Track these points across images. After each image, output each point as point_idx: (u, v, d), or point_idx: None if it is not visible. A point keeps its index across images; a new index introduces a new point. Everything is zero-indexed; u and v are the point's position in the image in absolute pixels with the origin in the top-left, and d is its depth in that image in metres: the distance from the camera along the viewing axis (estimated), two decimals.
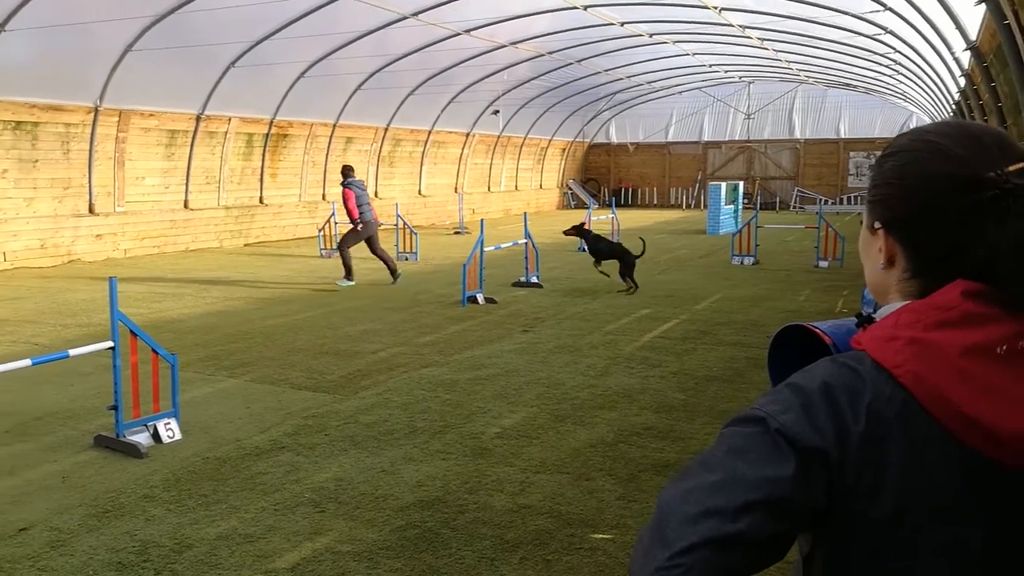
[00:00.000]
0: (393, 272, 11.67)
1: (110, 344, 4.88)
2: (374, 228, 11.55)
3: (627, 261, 10.90)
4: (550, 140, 30.58)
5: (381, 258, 11.72)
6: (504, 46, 18.75)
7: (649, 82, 27.77)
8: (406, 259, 14.85)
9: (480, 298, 10.12)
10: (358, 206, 11.33)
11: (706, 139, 32.67)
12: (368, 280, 11.95)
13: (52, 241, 13.97)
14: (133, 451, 4.83)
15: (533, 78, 22.87)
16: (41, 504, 4.15)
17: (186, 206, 16.59)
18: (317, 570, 3.46)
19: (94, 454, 4.88)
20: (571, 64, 22.04)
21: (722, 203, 20.72)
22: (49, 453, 4.89)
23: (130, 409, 5.04)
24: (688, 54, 23.00)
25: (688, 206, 32.26)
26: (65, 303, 10.12)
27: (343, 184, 11.46)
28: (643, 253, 11.35)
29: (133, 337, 4.96)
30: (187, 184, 16.54)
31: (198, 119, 16.28)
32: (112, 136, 14.82)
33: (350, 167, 11.81)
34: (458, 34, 16.88)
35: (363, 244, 11.59)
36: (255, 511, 4.06)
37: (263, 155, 18.25)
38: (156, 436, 5.05)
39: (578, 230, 12.09)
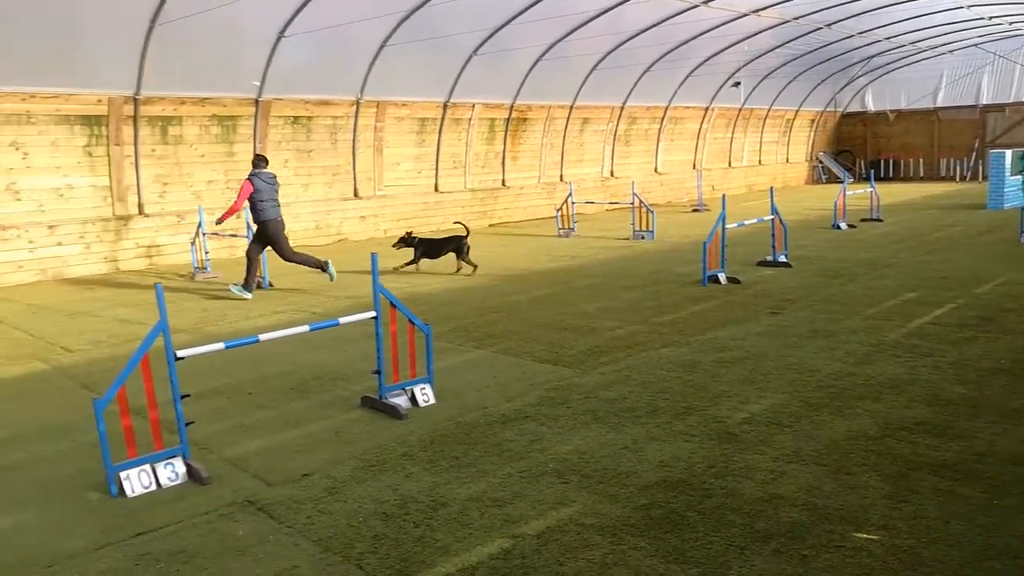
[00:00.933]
0: (323, 267, 10.15)
1: (373, 314, 5.29)
2: (278, 228, 9.77)
3: (459, 247, 11.21)
4: (797, 111, 28.62)
5: (299, 262, 10.12)
6: (745, 15, 17.76)
7: (913, 42, 24.92)
8: (642, 238, 14.68)
9: (722, 278, 9.71)
10: (260, 201, 9.54)
11: (984, 102, 28.72)
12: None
13: (324, 222, 15.58)
14: (394, 412, 5.22)
15: (777, 46, 21.47)
16: (319, 454, 4.61)
17: (436, 189, 17.69)
18: (562, 540, 3.50)
19: (361, 413, 5.34)
20: (820, 29, 20.37)
21: (1007, 173, 18.11)
22: (324, 410, 5.44)
23: (390, 374, 5.45)
24: (962, 7, 20.29)
25: (963, 178, 28.66)
26: (337, 277, 11.20)
27: (249, 175, 9.70)
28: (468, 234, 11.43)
29: (393, 308, 5.34)
30: (436, 169, 17.62)
31: (445, 107, 17.25)
32: (371, 126, 16.17)
33: (261, 156, 10.04)
34: (696, 6, 16.25)
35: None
36: (502, 476, 4.20)
37: (504, 139, 18.94)
38: (413, 400, 5.41)
39: (405, 241, 11.48)
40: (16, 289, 11.14)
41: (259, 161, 9.93)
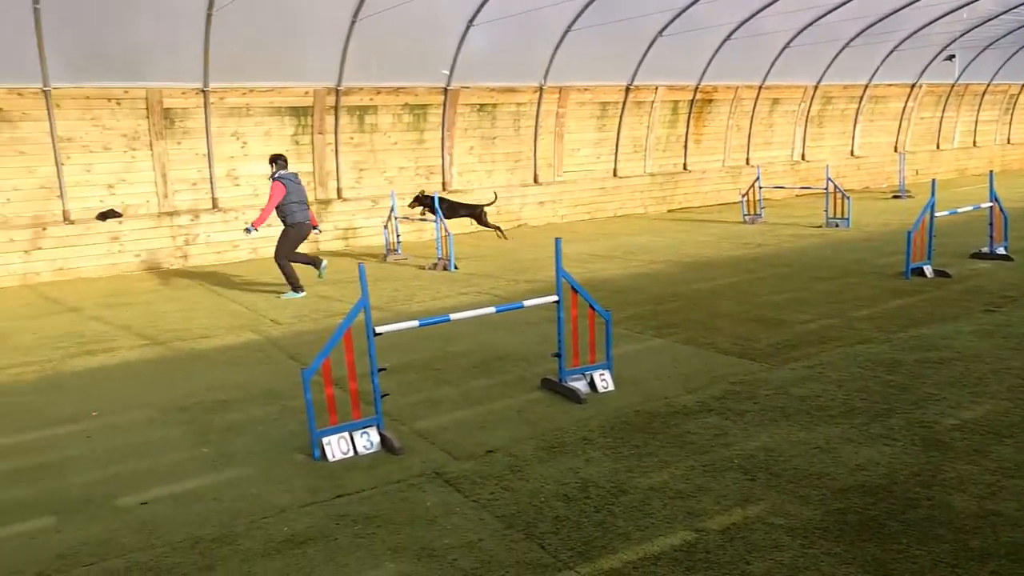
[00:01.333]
0: (315, 264, 9.75)
1: (555, 298, 5.35)
2: (303, 232, 9.48)
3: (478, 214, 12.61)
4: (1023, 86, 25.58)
5: (281, 268, 9.55)
6: None
7: None
8: (836, 225, 13.76)
9: (928, 270, 8.91)
10: (290, 203, 9.24)
11: None
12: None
13: (505, 208, 15.94)
14: (573, 396, 5.26)
15: (1001, 13, 19.22)
16: (502, 432, 4.75)
17: (615, 174, 17.57)
18: (749, 538, 3.37)
19: (541, 395, 5.43)
20: None
21: None
22: (506, 389, 5.58)
23: (570, 358, 5.49)
24: None
25: None
26: (516, 261, 11.47)
27: (272, 176, 9.28)
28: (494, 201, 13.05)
29: (574, 293, 5.37)
30: (616, 153, 17.48)
31: (627, 90, 17.04)
32: (553, 112, 16.30)
33: (282, 156, 9.51)
34: None
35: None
36: (684, 469, 4.12)
37: (687, 122, 18.43)
38: (592, 385, 5.43)
39: (419, 200, 12.34)
40: (232, 266, 12.36)
41: (281, 161, 9.38)
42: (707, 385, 5.45)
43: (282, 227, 9.49)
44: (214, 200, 12.90)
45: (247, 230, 9.38)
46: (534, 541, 3.45)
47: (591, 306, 5.38)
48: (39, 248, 11.46)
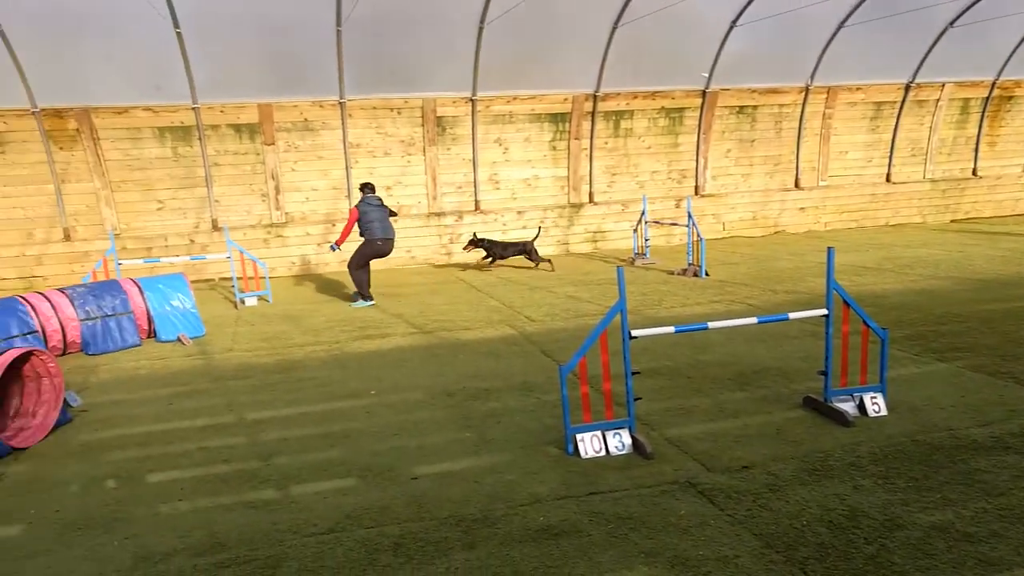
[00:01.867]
0: (359, 298, 9.93)
1: (824, 312, 5.01)
2: (380, 249, 9.76)
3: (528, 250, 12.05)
4: None
5: (353, 277, 9.91)
6: None
7: None
8: None
9: None
10: (369, 223, 9.63)
11: None
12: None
13: (761, 213, 15.28)
14: (839, 418, 4.90)
15: None
16: (759, 448, 4.55)
17: (888, 179, 16.11)
18: None
19: (802, 413, 5.12)
20: None
21: None
22: (763, 404, 5.33)
23: (837, 377, 5.12)
24: None
25: None
26: (772, 270, 10.94)
27: (356, 204, 9.76)
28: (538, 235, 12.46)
29: (846, 307, 5.00)
30: (890, 157, 16.01)
31: (907, 88, 15.54)
32: (819, 113, 15.30)
33: (369, 184, 10.00)
34: None
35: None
36: (974, 510, 3.67)
37: (980, 122, 16.39)
38: (861, 407, 5.02)
39: (474, 242, 12.08)
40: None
41: (366, 188, 9.94)
42: (1003, 420, 4.80)
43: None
44: (476, 202, 13.75)
45: (332, 248, 10.12)
46: (796, 566, 3.27)
47: (865, 322, 4.98)
48: (328, 241, 12.96)
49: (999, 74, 15.87)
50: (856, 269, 10.63)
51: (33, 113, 11.49)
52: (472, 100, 13.24)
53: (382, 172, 13.25)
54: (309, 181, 12.97)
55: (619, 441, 4.62)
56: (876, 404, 5.03)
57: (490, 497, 4.08)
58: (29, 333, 7.35)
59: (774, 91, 14.86)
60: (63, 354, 7.78)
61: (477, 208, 13.74)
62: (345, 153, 12.93)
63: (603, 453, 4.58)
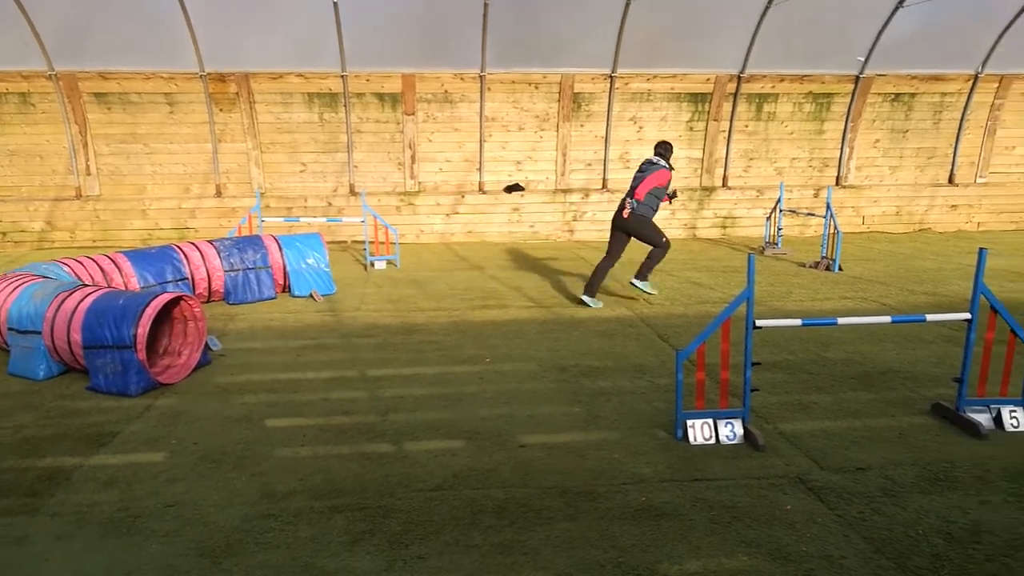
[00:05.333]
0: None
1: (967, 316, 4.70)
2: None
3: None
4: None
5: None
6: None
7: None
8: None
9: None
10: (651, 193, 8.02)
11: None
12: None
13: (907, 209, 14.36)
14: (972, 428, 4.61)
15: None
16: (877, 451, 4.36)
17: None
18: None
19: (929, 420, 4.85)
20: None
21: None
22: (887, 407, 5.09)
23: (974, 386, 4.82)
24: None
25: None
26: (912, 269, 10.31)
27: (669, 167, 8.13)
28: None
29: (993, 313, 4.67)
30: None
31: None
32: (987, 104, 14.15)
33: (669, 144, 8.25)
34: None
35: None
36: None
37: None
38: (998, 420, 4.70)
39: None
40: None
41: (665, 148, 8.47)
42: None
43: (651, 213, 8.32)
44: (604, 181, 13.68)
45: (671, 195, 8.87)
46: (907, 574, 3.14)
47: (1013, 330, 4.64)
48: (457, 212, 13.29)
49: None
50: (1010, 275, 9.84)
51: (200, 76, 12.39)
52: (611, 77, 13.12)
53: (514, 147, 13.40)
54: (444, 152, 13.30)
55: (731, 431, 4.55)
56: (1015, 418, 4.70)
57: (594, 472, 4.14)
58: (180, 280, 8.02)
59: (937, 78, 13.86)
60: (207, 301, 8.43)
61: (604, 187, 13.67)
62: (480, 126, 13.16)
63: (713, 441, 4.53)
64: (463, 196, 13.34)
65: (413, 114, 13.03)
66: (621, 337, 6.91)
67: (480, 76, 12.85)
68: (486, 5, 11.85)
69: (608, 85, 13.19)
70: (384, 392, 5.42)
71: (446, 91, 12.99)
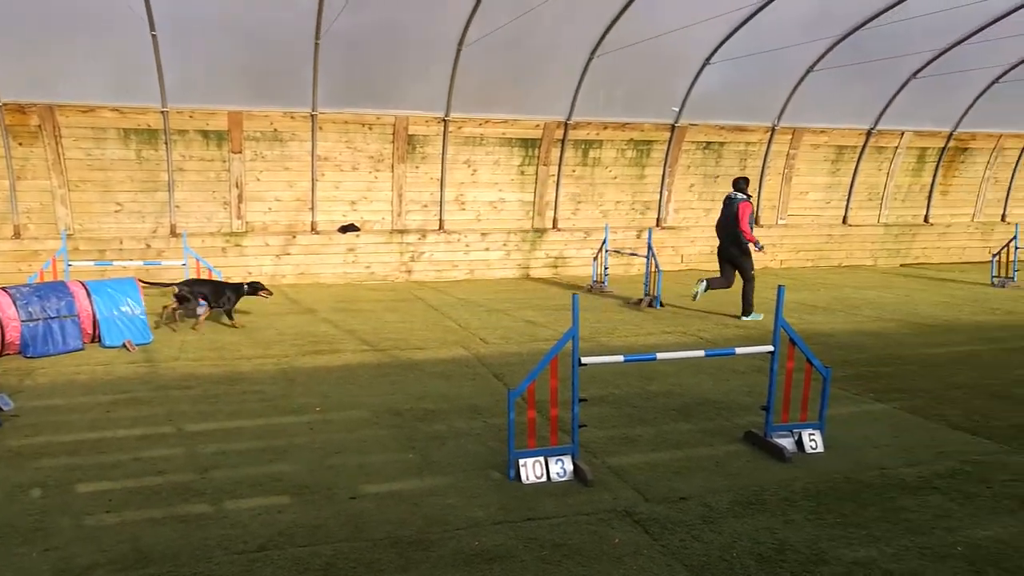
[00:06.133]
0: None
1: (771, 348, 5.11)
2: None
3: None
4: None
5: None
6: None
7: None
8: None
9: None
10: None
11: None
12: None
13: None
14: (778, 453, 4.98)
15: None
16: (697, 480, 4.60)
17: (844, 222, 16.50)
18: None
19: (742, 447, 5.20)
20: None
21: None
22: (705, 436, 5.41)
23: (779, 413, 5.22)
24: None
25: None
26: (726, 304, 11.07)
27: (748, 197, 10.08)
28: None
29: (791, 345, 5.10)
30: (848, 200, 16.42)
31: (868, 134, 15.98)
32: (783, 153, 15.65)
33: (747, 179, 10.30)
34: None
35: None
36: (897, 547, 3.75)
37: (935, 171, 16.90)
38: (800, 444, 5.11)
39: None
40: (449, 284, 13.09)
41: (746, 184, 10.23)
42: (932, 461, 4.93)
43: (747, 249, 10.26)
44: (441, 222, 13.78)
45: (757, 247, 10.22)
46: None
47: (809, 360, 5.09)
48: (288, 253, 12.87)
49: (956, 126, 16.41)
50: (807, 308, 10.85)
51: None
52: (445, 120, 13.30)
53: (348, 187, 13.22)
54: (273, 191, 12.88)
55: (561, 467, 4.65)
56: (814, 441, 5.13)
57: (428, 520, 4.07)
58: None
59: (741, 129, 15.17)
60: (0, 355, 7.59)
61: (441, 227, 13.76)
62: (312, 166, 12.88)
63: (544, 479, 4.60)
64: (294, 236, 12.95)
65: (240, 152, 12.55)
66: (458, 378, 6.92)
67: (312, 115, 12.62)
68: (317, 44, 11.70)
69: (442, 128, 13.37)
70: (203, 448, 5.07)
71: (275, 129, 12.63)
